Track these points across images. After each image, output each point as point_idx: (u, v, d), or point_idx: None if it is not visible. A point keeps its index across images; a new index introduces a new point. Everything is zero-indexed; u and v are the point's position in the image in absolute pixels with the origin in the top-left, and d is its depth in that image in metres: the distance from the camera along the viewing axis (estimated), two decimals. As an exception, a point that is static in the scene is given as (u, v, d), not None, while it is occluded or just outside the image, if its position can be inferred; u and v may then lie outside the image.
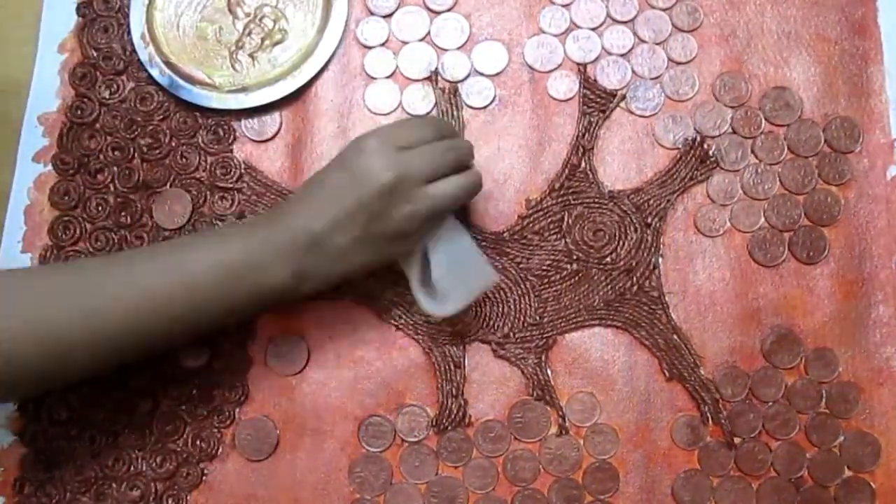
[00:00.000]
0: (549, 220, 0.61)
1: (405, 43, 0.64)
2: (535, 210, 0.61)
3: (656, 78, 0.63)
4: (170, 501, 0.56)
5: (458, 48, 0.64)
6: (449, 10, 0.65)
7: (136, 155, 0.62)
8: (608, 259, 0.60)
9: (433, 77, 0.63)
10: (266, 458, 0.57)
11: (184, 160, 0.62)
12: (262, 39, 0.64)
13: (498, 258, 0.60)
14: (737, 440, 0.57)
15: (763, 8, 0.64)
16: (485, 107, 0.63)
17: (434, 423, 0.58)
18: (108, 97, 0.63)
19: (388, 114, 0.63)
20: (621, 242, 0.60)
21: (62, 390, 0.57)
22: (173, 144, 0.62)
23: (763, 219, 0.61)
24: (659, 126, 0.62)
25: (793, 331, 0.59)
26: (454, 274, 0.55)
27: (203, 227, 0.61)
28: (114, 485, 0.57)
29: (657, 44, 0.64)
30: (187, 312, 0.50)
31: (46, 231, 0.61)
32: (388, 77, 0.64)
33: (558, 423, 0.58)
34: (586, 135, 0.62)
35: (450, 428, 0.58)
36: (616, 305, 0.60)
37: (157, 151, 0.62)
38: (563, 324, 0.59)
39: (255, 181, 0.62)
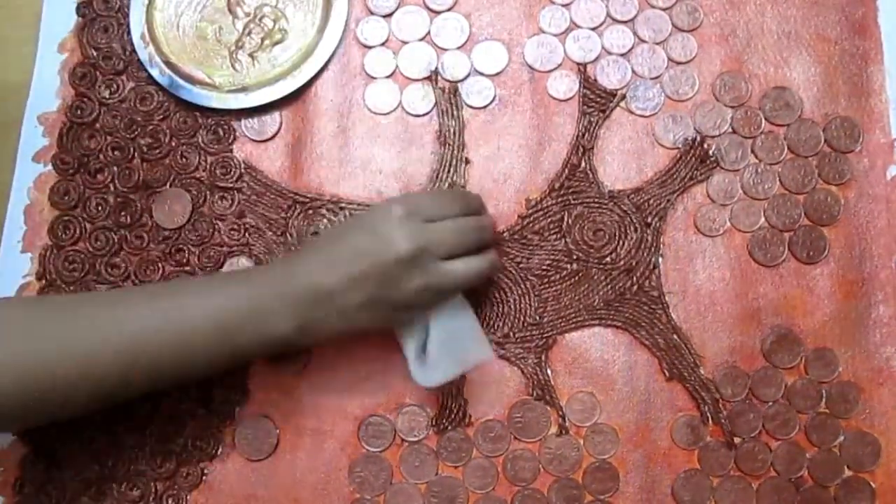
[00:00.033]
0: (549, 219, 0.61)
1: (405, 43, 0.64)
2: (534, 210, 0.61)
3: (656, 78, 0.63)
4: (170, 501, 0.56)
5: (458, 48, 0.64)
6: (449, 9, 0.65)
7: (136, 155, 0.62)
8: (608, 259, 0.60)
9: (433, 77, 0.63)
10: (266, 457, 0.57)
11: (184, 160, 0.62)
12: (262, 39, 0.64)
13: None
14: (737, 440, 0.57)
15: (763, 8, 0.64)
16: (485, 106, 0.63)
17: (434, 422, 0.58)
18: (108, 97, 0.63)
19: (387, 113, 0.63)
20: (621, 242, 0.60)
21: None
22: (173, 144, 0.62)
23: (763, 219, 0.61)
24: (659, 126, 0.62)
25: (793, 331, 0.59)
26: (448, 347, 0.54)
27: (203, 227, 0.60)
28: (114, 485, 0.57)
29: (657, 43, 0.64)
30: (179, 360, 0.49)
31: (46, 231, 0.61)
32: (388, 77, 0.64)
33: (558, 422, 0.58)
34: (586, 134, 0.62)
35: (450, 428, 0.58)
36: (616, 305, 0.60)
37: (157, 151, 0.62)
38: (563, 324, 0.59)
39: (255, 181, 0.62)
